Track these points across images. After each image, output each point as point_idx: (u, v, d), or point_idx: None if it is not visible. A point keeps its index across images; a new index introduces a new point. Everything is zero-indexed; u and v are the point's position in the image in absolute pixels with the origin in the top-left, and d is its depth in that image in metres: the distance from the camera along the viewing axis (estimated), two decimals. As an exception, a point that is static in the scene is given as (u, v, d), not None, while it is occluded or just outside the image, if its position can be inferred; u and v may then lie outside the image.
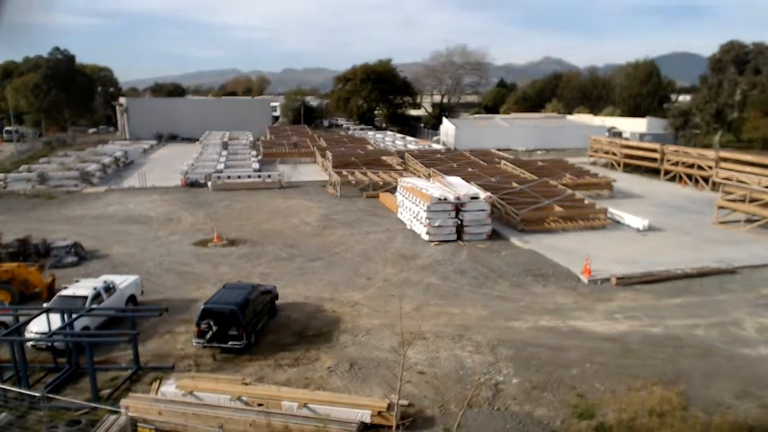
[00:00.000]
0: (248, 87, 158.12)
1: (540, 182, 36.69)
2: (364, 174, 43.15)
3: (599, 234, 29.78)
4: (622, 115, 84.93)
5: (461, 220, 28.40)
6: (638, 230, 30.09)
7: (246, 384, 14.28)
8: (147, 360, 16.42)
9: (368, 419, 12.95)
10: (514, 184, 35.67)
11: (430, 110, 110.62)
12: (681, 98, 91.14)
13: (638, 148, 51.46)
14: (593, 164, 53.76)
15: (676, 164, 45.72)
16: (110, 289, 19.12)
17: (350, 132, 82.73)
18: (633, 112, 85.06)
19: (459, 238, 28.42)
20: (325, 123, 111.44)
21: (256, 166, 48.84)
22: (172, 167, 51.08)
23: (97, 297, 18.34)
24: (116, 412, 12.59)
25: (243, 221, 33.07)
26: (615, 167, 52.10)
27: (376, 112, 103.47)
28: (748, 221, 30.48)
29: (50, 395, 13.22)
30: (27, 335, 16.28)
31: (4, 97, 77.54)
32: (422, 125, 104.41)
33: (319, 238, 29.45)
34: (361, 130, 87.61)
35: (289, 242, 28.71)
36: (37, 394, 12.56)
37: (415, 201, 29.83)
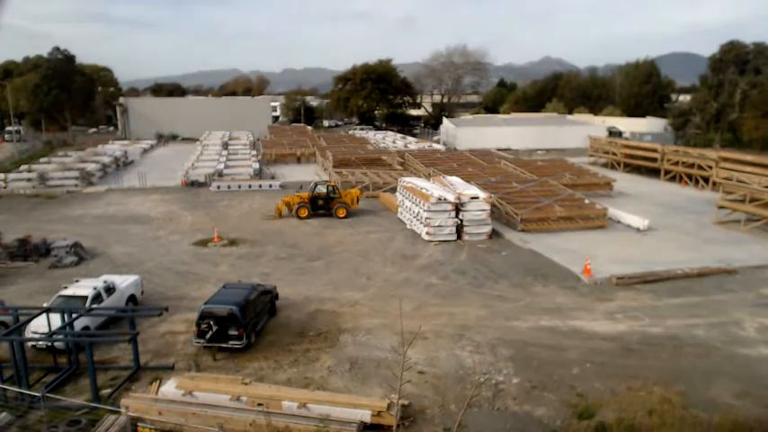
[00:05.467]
0: (248, 87, 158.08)
1: (540, 182, 36.69)
2: (364, 173, 43.17)
3: (599, 234, 29.77)
4: (622, 115, 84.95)
5: (461, 220, 28.39)
6: (638, 230, 30.08)
7: (246, 384, 14.26)
8: (147, 360, 16.43)
9: (368, 419, 12.95)
10: (514, 184, 35.68)
11: (430, 110, 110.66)
12: (681, 98, 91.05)
13: (638, 148, 51.46)
14: (594, 164, 53.76)
15: (676, 164, 45.72)
16: (110, 289, 19.12)
17: (350, 132, 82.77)
18: (633, 112, 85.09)
19: (459, 237, 28.43)
20: (326, 123, 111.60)
21: (256, 166, 48.83)
22: (172, 167, 51.15)
23: (97, 297, 18.34)
24: (116, 412, 12.59)
25: (243, 221, 33.08)
26: (615, 167, 52.10)
27: (376, 112, 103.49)
28: (748, 221, 30.48)
29: (50, 395, 13.23)
30: (27, 335, 16.29)
31: (4, 97, 77.43)
32: (422, 125, 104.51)
33: (319, 238, 29.45)
34: (362, 129, 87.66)
35: (289, 242, 28.71)
36: (37, 394, 12.55)
37: (415, 200, 29.83)
